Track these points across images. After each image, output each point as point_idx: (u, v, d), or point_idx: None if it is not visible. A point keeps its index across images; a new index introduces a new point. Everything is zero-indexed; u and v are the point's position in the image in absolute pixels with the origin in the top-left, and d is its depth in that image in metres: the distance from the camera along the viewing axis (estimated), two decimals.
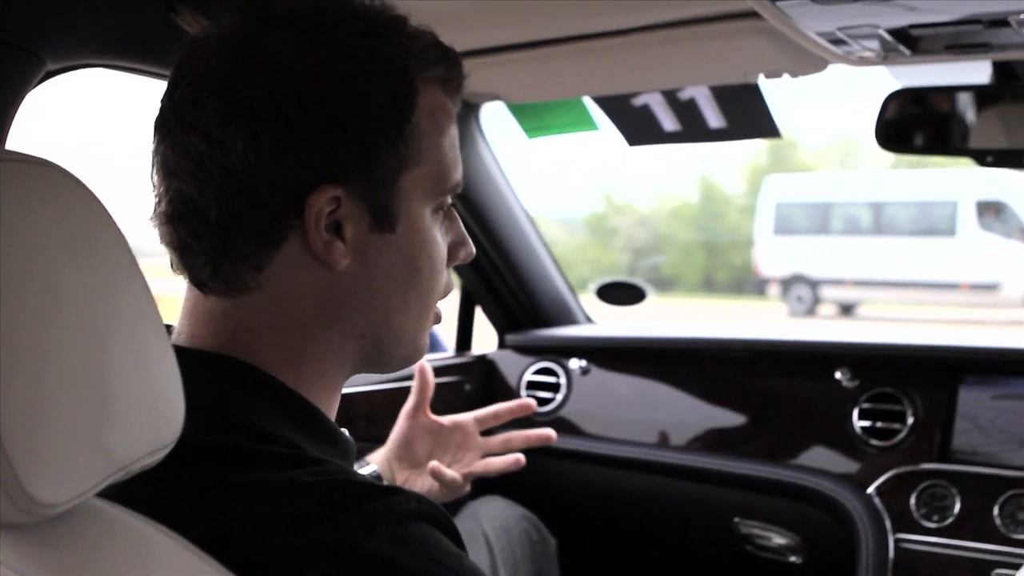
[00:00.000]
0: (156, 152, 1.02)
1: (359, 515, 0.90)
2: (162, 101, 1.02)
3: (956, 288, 16.63)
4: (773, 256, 18.86)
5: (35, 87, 1.40)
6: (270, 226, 0.99)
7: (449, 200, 1.11)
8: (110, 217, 0.80)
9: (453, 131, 1.09)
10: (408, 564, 0.89)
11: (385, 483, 0.98)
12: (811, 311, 18.21)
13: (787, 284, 18.70)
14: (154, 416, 0.80)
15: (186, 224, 1.00)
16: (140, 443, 0.79)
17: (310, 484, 0.92)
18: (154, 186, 1.03)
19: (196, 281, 1.03)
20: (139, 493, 0.82)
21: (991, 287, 16.44)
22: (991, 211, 16.75)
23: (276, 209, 0.98)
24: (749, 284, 20.60)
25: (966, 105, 1.83)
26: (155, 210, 1.03)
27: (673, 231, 26.38)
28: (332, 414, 1.10)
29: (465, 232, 1.16)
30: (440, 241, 1.10)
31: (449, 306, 1.19)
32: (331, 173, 0.98)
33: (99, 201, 0.79)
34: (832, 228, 18.68)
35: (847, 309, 18.39)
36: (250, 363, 1.02)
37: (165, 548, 0.82)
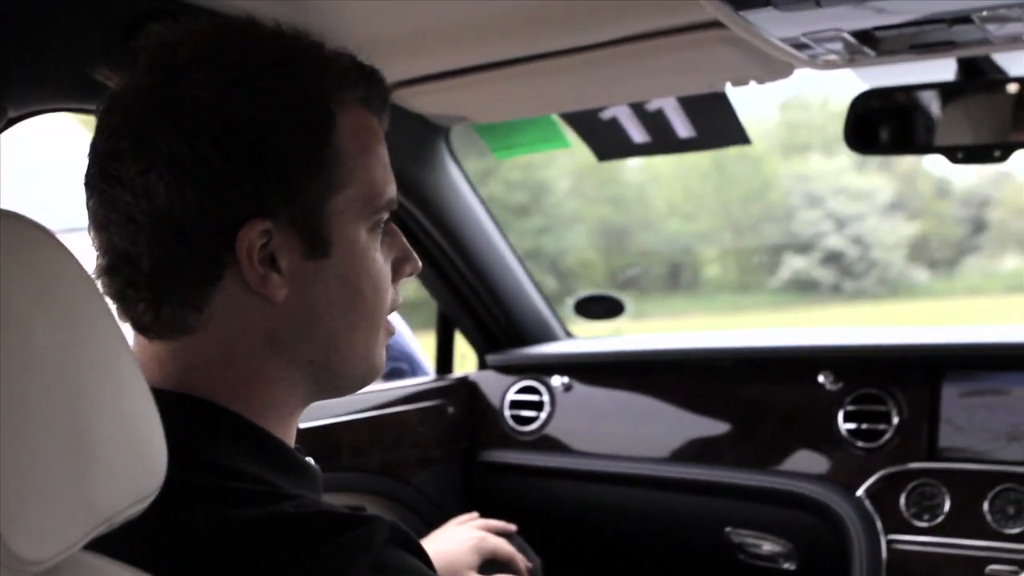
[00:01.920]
0: (88, 207, 1.03)
1: (340, 545, 0.91)
2: (88, 156, 1.03)
3: None
4: None
5: None
6: (204, 266, 1.00)
7: (385, 217, 1.11)
8: (79, 265, 0.79)
9: (380, 149, 1.10)
10: None
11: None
12: None
13: None
14: (137, 464, 0.79)
15: (121, 274, 1.01)
16: (124, 493, 0.78)
17: (289, 519, 0.93)
18: (92, 241, 1.03)
19: (139, 327, 1.04)
20: (117, 537, 0.81)
21: None
22: None
23: (208, 249, 0.99)
24: None
25: (933, 103, 1.84)
26: (96, 264, 1.03)
27: None
28: (290, 444, 1.10)
29: (408, 246, 1.16)
30: (379, 260, 1.10)
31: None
32: (257, 206, 0.99)
33: (67, 250, 0.78)
34: None
35: None
36: (205, 399, 1.03)
37: None
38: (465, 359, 2.94)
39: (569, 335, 3.05)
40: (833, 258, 12.74)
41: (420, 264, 1.18)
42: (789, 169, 13.62)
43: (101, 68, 1.05)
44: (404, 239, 1.16)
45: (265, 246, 0.99)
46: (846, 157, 11.93)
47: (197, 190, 0.96)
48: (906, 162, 13.69)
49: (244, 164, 0.97)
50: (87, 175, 1.02)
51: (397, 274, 1.14)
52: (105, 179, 0.99)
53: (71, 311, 0.76)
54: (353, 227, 1.05)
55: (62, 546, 0.72)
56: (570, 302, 3.04)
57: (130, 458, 0.79)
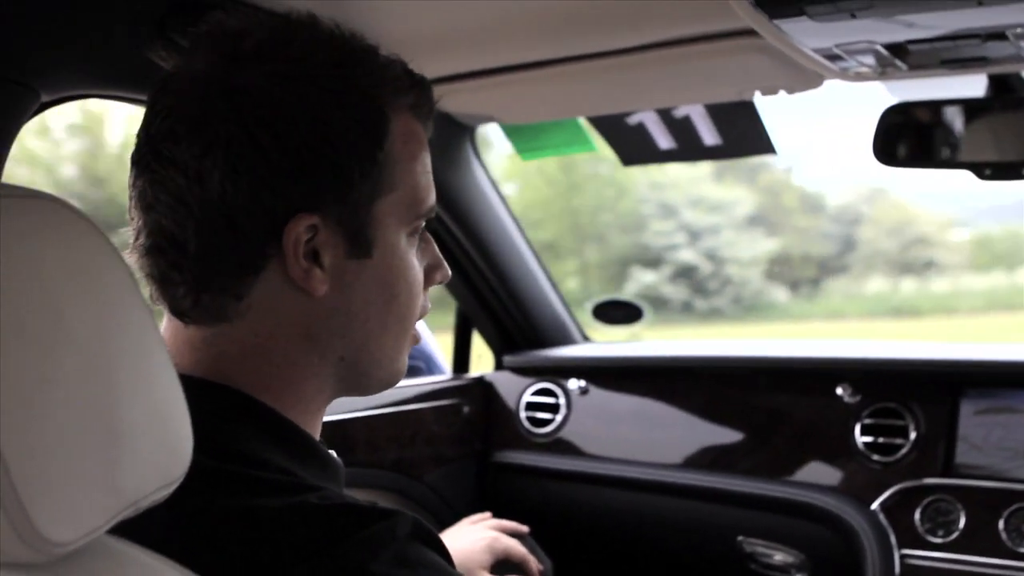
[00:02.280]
0: (134, 186, 1.03)
1: (364, 539, 0.91)
2: (138, 136, 1.03)
3: None
4: None
5: (30, 119, 1.40)
6: (250, 256, 1.00)
7: (423, 224, 1.12)
8: (113, 248, 0.79)
9: (425, 157, 1.11)
10: None
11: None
12: None
13: None
14: (164, 450, 0.80)
15: (166, 256, 1.01)
16: (150, 478, 0.78)
17: (313, 510, 0.93)
18: (132, 219, 1.03)
19: (176, 311, 1.04)
20: (139, 522, 0.81)
21: None
22: None
23: (255, 239, 0.99)
24: None
25: (962, 119, 1.83)
26: (134, 243, 1.03)
27: None
28: (316, 437, 1.11)
29: (440, 255, 1.18)
30: (416, 265, 1.11)
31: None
32: (307, 202, 0.99)
33: (101, 233, 0.78)
34: None
35: None
36: (235, 388, 1.03)
37: None
38: (481, 359, 2.95)
39: (586, 339, 3.05)
40: (684, 273, 12.18)
41: (450, 273, 1.19)
42: (646, 176, 12.90)
43: (156, 50, 1.06)
44: (436, 247, 1.17)
45: (310, 241, 1.00)
46: (706, 164, 11.05)
47: (252, 180, 0.97)
48: (772, 174, 13.12)
49: (300, 158, 0.98)
50: (136, 154, 1.02)
51: (428, 281, 1.15)
52: (158, 160, 0.99)
53: (104, 295, 0.76)
54: (395, 231, 1.06)
55: (88, 529, 0.73)
56: (588, 306, 3.03)
57: (157, 443, 0.79)
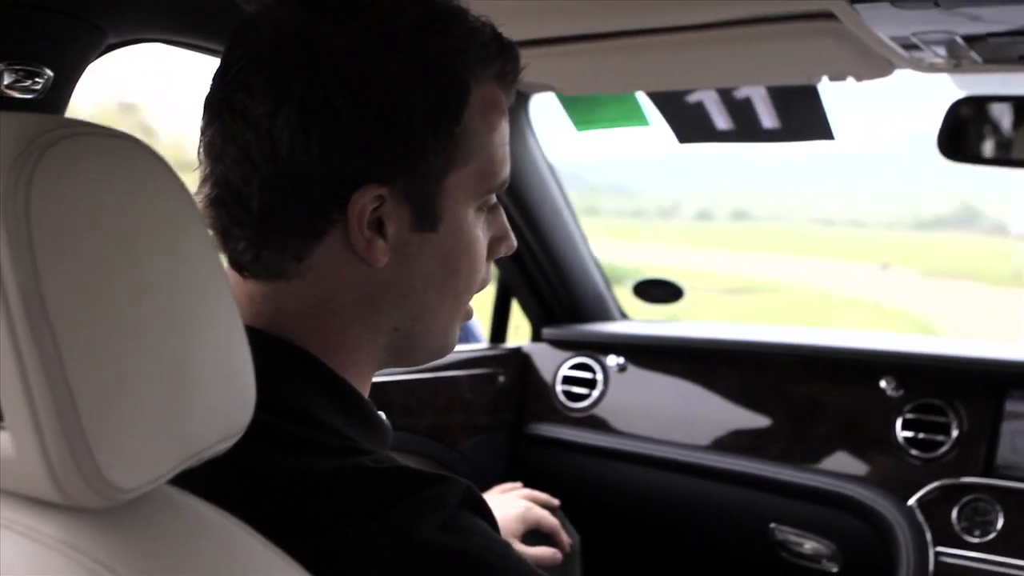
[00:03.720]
0: (204, 133, 1.01)
1: (414, 503, 0.90)
2: (213, 80, 1.01)
3: None
4: None
5: (96, 59, 1.40)
6: (312, 219, 0.98)
7: (494, 197, 1.10)
8: (189, 195, 0.78)
9: (504, 127, 1.08)
10: (461, 550, 0.90)
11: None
12: None
13: None
14: (229, 401, 0.79)
15: (229, 209, 1.00)
16: (215, 428, 0.78)
17: (366, 473, 0.93)
18: (200, 163, 1.02)
19: (236, 265, 1.03)
20: (194, 474, 0.81)
21: None
22: None
23: (319, 203, 0.97)
24: None
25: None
26: (199, 189, 1.02)
27: None
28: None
29: (508, 226, 1.15)
30: (482, 239, 1.09)
31: (484, 298, 1.19)
32: (377, 171, 0.97)
33: (179, 180, 0.78)
34: None
35: None
36: (295, 344, 1.02)
37: (233, 537, 0.81)
38: (518, 330, 2.94)
39: (624, 316, 3.03)
40: None
41: (515, 244, 1.17)
42: None
43: None
44: (505, 218, 1.14)
45: (375, 210, 0.98)
46: None
47: (322, 144, 0.95)
48: None
49: (374, 127, 0.95)
50: (209, 100, 1.01)
51: (492, 252, 1.13)
52: (230, 110, 0.97)
53: (178, 240, 0.76)
54: (464, 204, 1.04)
55: (152, 476, 0.72)
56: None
57: (223, 393, 0.78)
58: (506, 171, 1.08)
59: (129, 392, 0.69)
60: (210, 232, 1.02)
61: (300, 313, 1.02)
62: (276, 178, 0.96)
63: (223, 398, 0.78)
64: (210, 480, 0.86)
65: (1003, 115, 1.81)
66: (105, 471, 0.68)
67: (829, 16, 1.48)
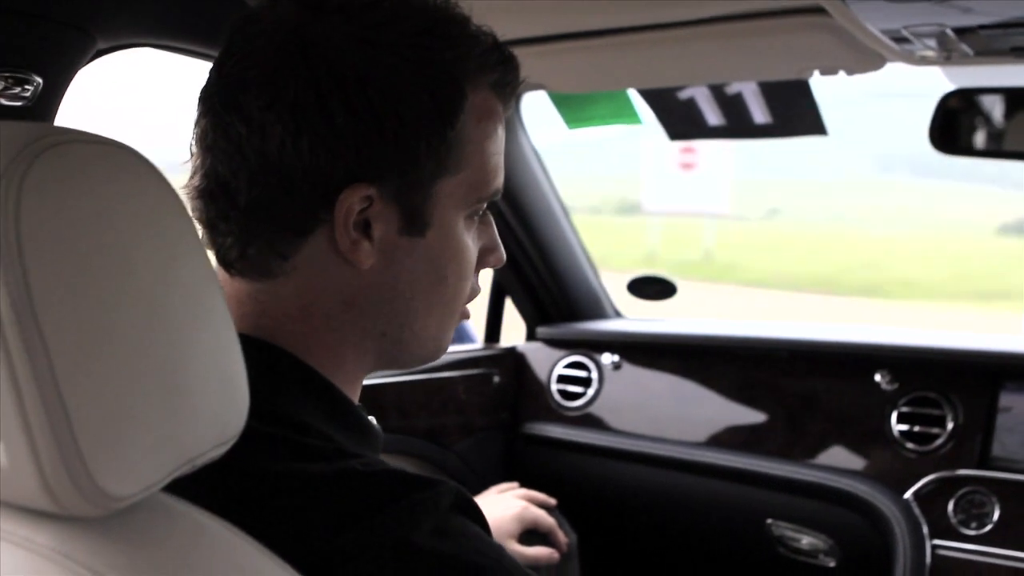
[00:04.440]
0: (197, 124, 1.01)
1: (406, 507, 0.90)
2: (210, 73, 1.01)
3: None
4: None
5: (85, 65, 1.39)
6: (299, 217, 0.98)
7: (486, 205, 1.09)
8: (179, 199, 0.78)
9: (499, 136, 1.07)
10: (454, 555, 0.90)
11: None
12: None
13: None
14: (223, 407, 0.79)
15: (216, 203, 0.99)
16: (209, 434, 0.78)
17: (356, 476, 0.92)
18: (192, 155, 1.02)
19: (223, 261, 1.03)
20: (187, 480, 0.80)
21: None
22: None
23: (306, 201, 0.97)
24: None
25: (1016, 107, 1.80)
26: (189, 181, 1.02)
27: None
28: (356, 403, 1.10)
29: (498, 238, 1.14)
30: (471, 247, 1.08)
31: (479, 297, 1.17)
32: (366, 172, 0.97)
33: (169, 184, 0.77)
34: None
35: None
36: (280, 347, 1.02)
37: (229, 544, 0.80)
38: (512, 330, 2.94)
39: (618, 314, 3.03)
40: None
41: (504, 258, 1.16)
42: None
43: None
44: (495, 230, 1.14)
45: (363, 211, 0.98)
46: None
47: (312, 141, 0.94)
48: None
49: (366, 128, 0.95)
50: (204, 92, 1.01)
51: (481, 263, 1.13)
52: (223, 103, 0.97)
53: (170, 245, 0.75)
54: (454, 211, 1.04)
55: (145, 484, 0.72)
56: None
57: (216, 400, 0.78)
58: (499, 181, 1.08)
59: (122, 400, 0.69)
60: (198, 225, 1.01)
61: (286, 315, 1.02)
62: (265, 173, 0.96)
63: (217, 404, 0.78)
64: (203, 486, 0.85)
65: (994, 107, 1.81)
66: (98, 479, 0.67)
67: (820, 11, 1.48)
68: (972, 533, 2.07)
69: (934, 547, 2.08)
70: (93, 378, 0.67)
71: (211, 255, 1.03)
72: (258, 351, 0.99)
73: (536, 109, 2.51)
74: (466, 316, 1.14)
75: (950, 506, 2.11)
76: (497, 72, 1.04)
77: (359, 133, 0.95)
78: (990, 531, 2.06)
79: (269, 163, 0.95)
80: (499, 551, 0.96)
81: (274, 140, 0.95)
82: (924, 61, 1.63)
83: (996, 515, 2.06)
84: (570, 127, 2.44)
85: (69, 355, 0.66)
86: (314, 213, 0.98)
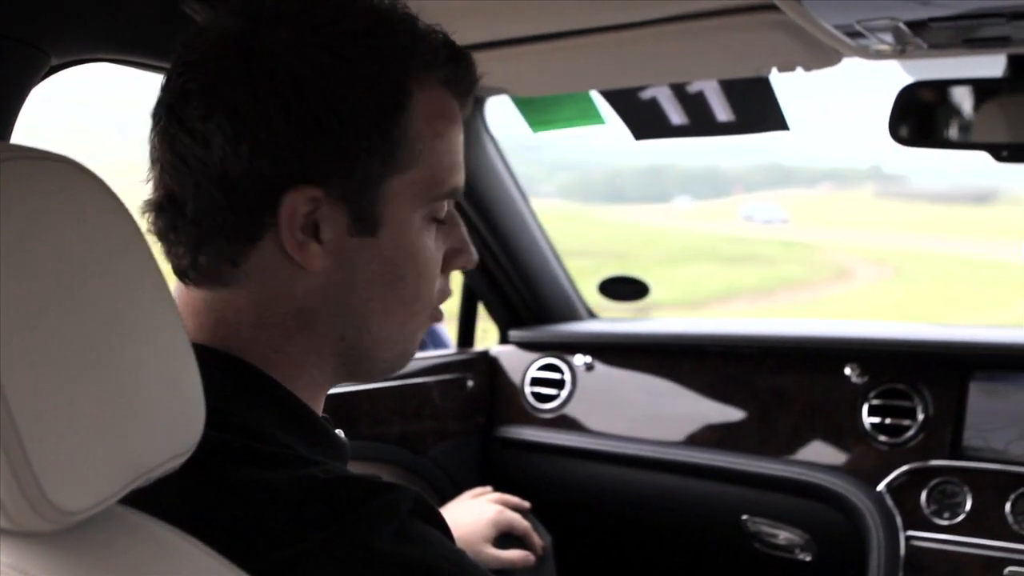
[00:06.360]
0: (149, 139, 1.02)
1: (366, 513, 0.90)
2: (160, 89, 1.02)
3: None
4: None
5: (39, 82, 1.38)
6: (245, 223, 0.98)
7: (447, 206, 1.09)
8: (128, 214, 0.78)
9: (453, 134, 1.07)
10: (417, 561, 0.90)
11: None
12: None
13: None
14: (178, 418, 0.79)
15: (166, 214, 1.00)
16: (165, 446, 0.78)
17: (316, 484, 0.92)
18: (148, 172, 1.03)
19: (177, 271, 1.03)
20: (145, 492, 0.80)
21: None
22: None
23: (251, 206, 0.97)
24: None
25: (978, 99, 1.81)
26: (146, 198, 1.03)
27: None
28: (319, 414, 1.09)
29: (467, 239, 1.14)
30: (430, 247, 1.07)
31: (450, 302, 1.16)
32: (310, 174, 0.97)
33: (117, 198, 0.77)
34: None
35: None
36: (236, 356, 1.02)
37: (188, 555, 0.80)
38: (486, 334, 2.94)
39: (592, 315, 3.04)
40: None
41: (475, 259, 1.15)
42: None
43: (188, 2, 1.04)
44: (464, 231, 1.13)
45: (310, 213, 0.98)
46: None
47: (252, 147, 0.95)
48: None
49: (305, 130, 0.95)
50: (155, 108, 1.01)
51: (449, 264, 1.12)
52: (169, 116, 0.98)
53: (120, 260, 0.76)
54: (408, 211, 1.03)
55: (99, 497, 0.72)
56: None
57: (170, 412, 0.78)
58: (456, 179, 1.07)
59: (73, 414, 0.69)
60: (154, 239, 1.02)
61: (243, 323, 1.02)
62: (208, 182, 0.96)
63: (171, 415, 0.78)
64: (162, 498, 0.85)
65: (952, 98, 1.82)
66: (50, 495, 0.67)
67: (773, 8, 1.48)
68: (945, 523, 2.08)
69: (908, 538, 2.09)
70: (42, 392, 0.67)
71: (168, 267, 1.04)
72: (215, 361, 0.99)
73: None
74: (438, 318, 1.14)
75: (923, 497, 2.12)
76: (447, 68, 1.04)
77: (299, 136, 0.95)
78: (963, 521, 2.07)
79: (212, 172, 0.96)
80: (460, 555, 0.96)
81: (216, 149, 0.95)
82: (880, 55, 1.63)
83: (968, 505, 2.07)
84: (534, 130, 2.44)
85: (18, 370, 0.66)
86: (260, 218, 0.98)
